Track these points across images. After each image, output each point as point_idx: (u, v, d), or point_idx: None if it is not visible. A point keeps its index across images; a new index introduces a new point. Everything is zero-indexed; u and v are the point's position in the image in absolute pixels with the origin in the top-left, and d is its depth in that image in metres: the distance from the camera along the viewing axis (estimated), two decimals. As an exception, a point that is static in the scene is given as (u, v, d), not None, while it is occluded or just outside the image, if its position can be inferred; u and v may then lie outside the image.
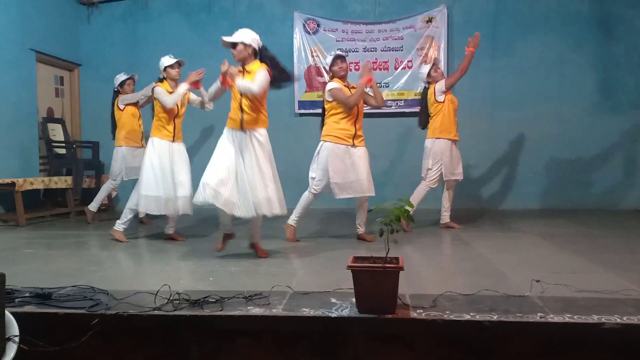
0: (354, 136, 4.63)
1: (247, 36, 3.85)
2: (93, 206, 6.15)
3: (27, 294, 2.76)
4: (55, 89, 7.51)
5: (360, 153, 4.64)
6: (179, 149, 4.88)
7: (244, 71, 3.90)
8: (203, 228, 5.01)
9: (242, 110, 3.88)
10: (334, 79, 4.68)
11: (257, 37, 3.91)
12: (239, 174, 3.84)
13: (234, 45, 3.86)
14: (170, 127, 4.82)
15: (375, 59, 7.38)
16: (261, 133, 3.93)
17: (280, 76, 3.94)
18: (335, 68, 4.67)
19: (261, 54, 3.93)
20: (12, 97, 6.41)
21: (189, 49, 7.27)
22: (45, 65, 7.19)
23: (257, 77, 3.79)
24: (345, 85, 4.66)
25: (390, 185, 6.92)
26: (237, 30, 3.92)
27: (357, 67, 7.42)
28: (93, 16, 7.87)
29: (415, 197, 5.31)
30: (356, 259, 2.56)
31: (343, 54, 4.90)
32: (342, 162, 4.58)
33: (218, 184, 3.78)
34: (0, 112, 6.22)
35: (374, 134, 7.04)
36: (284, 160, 6.44)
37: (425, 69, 5.54)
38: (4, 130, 6.28)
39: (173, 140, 4.83)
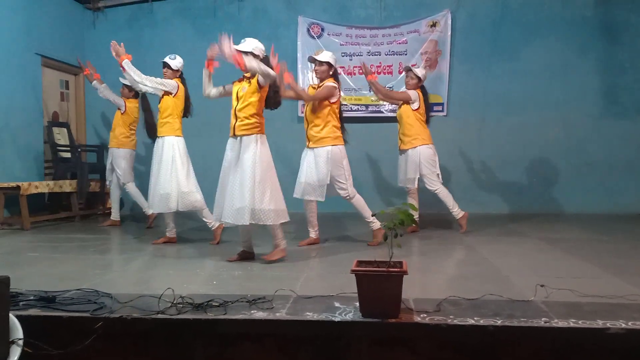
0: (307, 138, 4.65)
1: (256, 47, 3.88)
2: (149, 210, 6.01)
3: (32, 298, 2.76)
4: (60, 93, 7.55)
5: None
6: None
7: (249, 80, 3.91)
8: (207, 232, 5.01)
9: (235, 116, 3.90)
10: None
11: (263, 47, 3.94)
12: (230, 182, 3.87)
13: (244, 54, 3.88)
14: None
15: (380, 63, 7.40)
16: (253, 140, 3.83)
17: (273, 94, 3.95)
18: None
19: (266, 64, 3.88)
20: (18, 101, 6.45)
21: (194, 54, 7.21)
22: (50, 70, 7.23)
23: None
24: (312, 87, 4.72)
25: (394, 189, 6.91)
26: (242, 37, 3.94)
27: (361, 71, 7.42)
28: (98, 21, 7.92)
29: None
30: (360, 263, 2.56)
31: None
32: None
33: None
34: (6, 116, 6.26)
35: (377, 139, 7.06)
36: (286, 165, 6.48)
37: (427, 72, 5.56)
38: (10, 134, 6.32)
39: None
